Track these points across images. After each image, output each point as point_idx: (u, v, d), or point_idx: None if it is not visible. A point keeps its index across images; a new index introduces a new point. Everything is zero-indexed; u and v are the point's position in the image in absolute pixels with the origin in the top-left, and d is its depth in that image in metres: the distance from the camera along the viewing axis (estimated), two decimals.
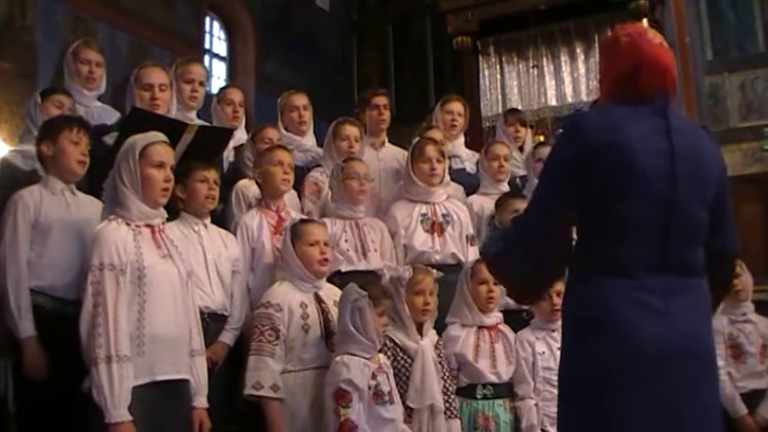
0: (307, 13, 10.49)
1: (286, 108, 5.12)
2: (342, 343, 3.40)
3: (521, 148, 5.69)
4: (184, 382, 3.15)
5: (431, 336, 3.85)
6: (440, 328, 4.02)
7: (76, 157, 3.51)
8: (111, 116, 4.50)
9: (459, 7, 8.65)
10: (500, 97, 8.74)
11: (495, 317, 4.11)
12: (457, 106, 5.51)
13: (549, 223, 2.33)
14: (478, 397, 3.95)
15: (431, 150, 4.59)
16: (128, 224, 3.10)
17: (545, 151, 4.90)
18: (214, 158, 4.23)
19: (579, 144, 2.27)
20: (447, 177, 4.76)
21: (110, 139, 3.91)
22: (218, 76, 9.48)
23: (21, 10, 6.64)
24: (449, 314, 4.10)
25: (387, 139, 5.26)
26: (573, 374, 2.31)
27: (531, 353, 4.07)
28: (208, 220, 3.84)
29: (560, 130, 2.45)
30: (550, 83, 8.56)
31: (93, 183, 3.71)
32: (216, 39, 9.56)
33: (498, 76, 8.81)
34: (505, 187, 5.07)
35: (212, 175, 3.80)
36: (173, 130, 3.63)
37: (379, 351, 3.57)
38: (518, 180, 5.39)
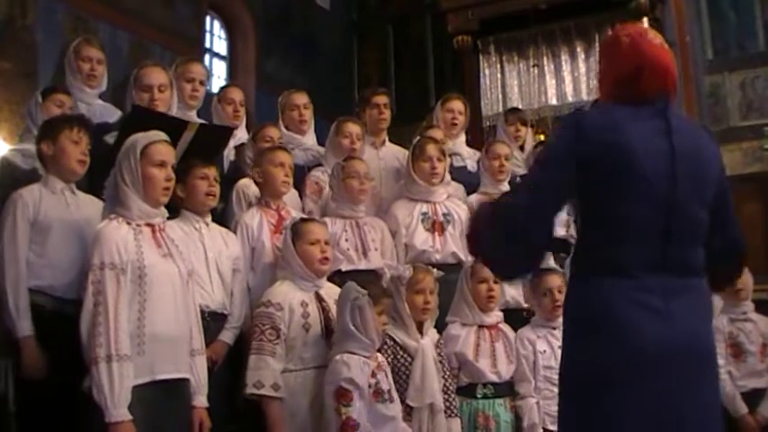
0: (307, 13, 10.49)
1: (287, 107, 5.12)
2: (341, 341, 3.40)
3: (521, 148, 5.68)
4: (185, 381, 3.15)
5: (431, 335, 3.85)
6: (440, 327, 4.02)
7: (77, 157, 3.51)
8: (113, 114, 4.49)
9: (459, 6, 8.65)
10: (500, 96, 8.73)
11: (496, 316, 4.11)
12: (457, 104, 5.51)
13: (538, 205, 2.31)
14: (479, 396, 3.95)
15: (431, 149, 4.60)
16: (128, 223, 3.09)
17: None
18: (214, 157, 4.22)
19: (580, 141, 2.27)
20: (448, 176, 4.76)
21: (110, 139, 3.90)
22: (219, 75, 9.48)
23: (21, 9, 6.64)
24: (449, 313, 4.10)
25: (387, 139, 5.26)
26: (573, 374, 2.32)
27: (531, 351, 4.07)
28: (209, 219, 3.84)
29: (561, 126, 2.44)
30: (551, 82, 8.55)
31: (93, 182, 3.71)
32: (216, 38, 9.56)
33: (499, 76, 8.80)
34: (506, 187, 5.06)
35: (212, 172, 3.80)
36: (174, 128, 3.63)
37: (379, 350, 3.57)
38: (518, 179, 5.39)
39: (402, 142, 5.26)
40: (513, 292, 4.50)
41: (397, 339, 3.73)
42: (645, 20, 7.88)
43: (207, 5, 9.07)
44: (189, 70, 4.81)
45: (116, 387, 2.82)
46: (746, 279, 4.65)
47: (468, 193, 5.05)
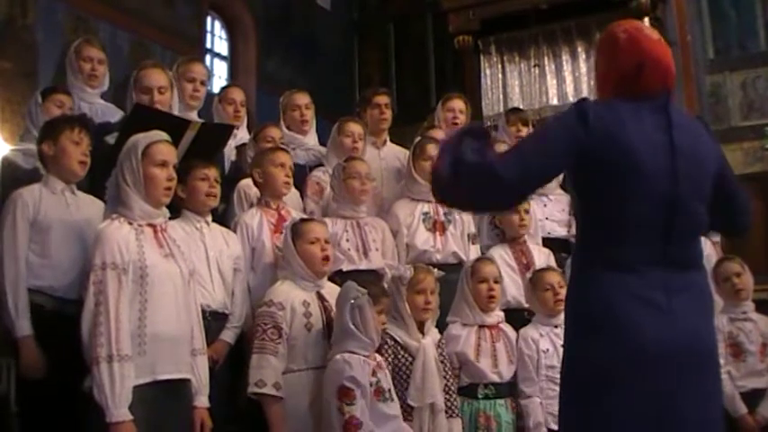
0: (308, 13, 10.49)
1: (288, 107, 5.12)
2: (341, 341, 3.40)
3: None
4: (186, 381, 3.15)
5: (432, 334, 3.86)
6: (441, 327, 4.02)
7: (77, 158, 3.51)
8: (115, 114, 4.50)
9: (460, 6, 8.65)
10: (501, 96, 8.72)
11: (497, 316, 4.12)
12: (458, 104, 5.51)
13: (524, 182, 2.28)
14: (480, 396, 3.96)
15: (432, 149, 4.59)
16: (130, 223, 3.09)
17: None
18: (215, 155, 4.23)
19: (585, 129, 2.26)
20: None
21: (111, 139, 3.90)
22: (220, 75, 9.48)
23: (22, 9, 6.64)
24: (450, 313, 4.10)
25: (388, 139, 5.27)
26: (574, 373, 2.31)
27: (535, 350, 4.07)
28: (209, 218, 3.84)
29: (567, 110, 2.41)
30: (552, 82, 8.54)
31: (94, 182, 3.71)
32: (217, 38, 9.56)
33: (500, 76, 8.79)
34: None
35: (212, 173, 3.80)
36: (176, 127, 3.63)
37: (380, 350, 3.58)
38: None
39: (403, 142, 5.26)
40: (515, 292, 4.50)
41: (398, 339, 3.73)
42: (646, 19, 7.87)
43: (207, 5, 9.07)
44: (190, 70, 4.81)
45: (117, 387, 2.82)
46: (747, 279, 4.64)
47: None
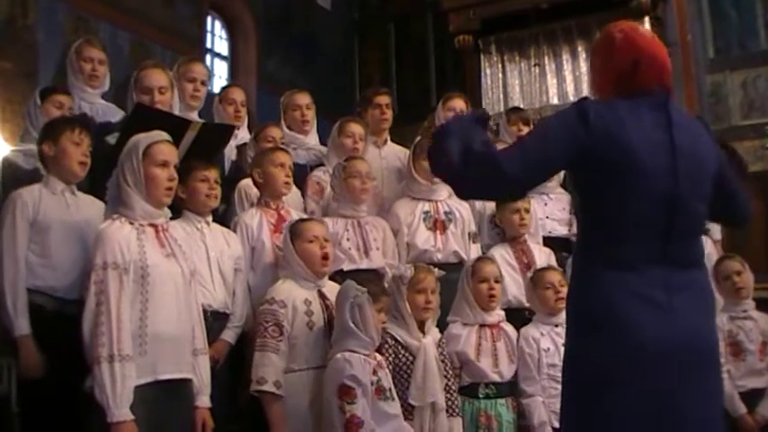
0: (308, 12, 10.48)
1: (289, 107, 5.12)
2: (341, 340, 3.40)
3: None
4: (187, 381, 3.15)
5: (433, 334, 3.86)
6: (442, 326, 4.02)
7: (78, 158, 3.51)
8: (116, 114, 4.50)
9: (460, 6, 8.64)
10: (502, 96, 8.71)
11: (497, 315, 4.12)
12: (459, 103, 5.51)
13: (533, 167, 2.29)
14: (481, 396, 3.96)
15: None
16: (131, 223, 3.10)
17: None
18: (215, 155, 4.23)
19: (585, 128, 2.26)
20: None
21: (112, 139, 3.91)
22: (220, 75, 9.48)
23: (22, 9, 6.64)
24: (450, 313, 4.11)
25: (389, 138, 5.27)
26: (574, 372, 2.32)
27: (536, 349, 4.08)
28: (210, 219, 3.85)
29: (568, 108, 2.41)
30: (552, 81, 8.53)
31: (95, 182, 3.71)
32: (217, 38, 9.55)
33: (500, 75, 8.78)
34: None
35: (213, 174, 3.80)
36: (176, 127, 3.64)
37: (380, 349, 3.58)
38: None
39: (403, 142, 5.26)
40: (516, 291, 4.50)
41: (398, 338, 3.73)
42: (646, 19, 7.89)
43: (208, 5, 9.07)
44: (190, 70, 4.81)
45: (118, 387, 2.83)
46: (747, 277, 4.64)
47: None
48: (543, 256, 4.65)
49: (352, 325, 3.37)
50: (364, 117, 5.16)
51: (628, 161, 2.24)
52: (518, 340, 4.11)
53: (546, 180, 2.40)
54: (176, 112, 4.31)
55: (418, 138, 4.86)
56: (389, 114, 5.22)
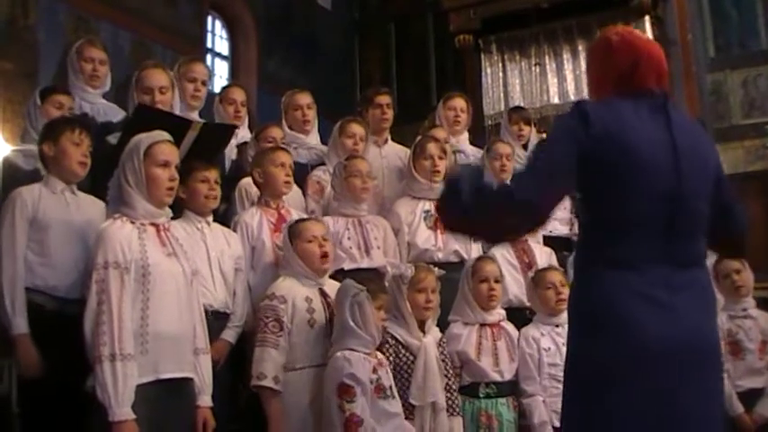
0: (308, 12, 10.49)
1: (290, 107, 5.12)
2: (341, 338, 3.41)
3: (525, 147, 5.67)
4: (188, 380, 3.15)
5: (433, 333, 3.86)
6: (443, 325, 4.02)
7: (77, 159, 3.51)
8: (117, 114, 4.50)
9: (461, 5, 8.64)
10: (502, 95, 8.71)
11: (498, 314, 4.12)
12: (459, 102, 5.52)
13: (546, 188, 2.26)
14: (481, 395, 3.96)
15: (432, 147, 4.60)
16: (132, 222, 3.10)
17: None
18: (216, 156, 4.23)
19: (586, 130, 2.26)
20: None
21: (113, 139, 3.91)
22: (221, 74, 9.49)
23: (23, 10, 6.65)
24: (451, 312, 4.11)
25: (390, 137, 5.27)
26: (576, 372, 2.31)
27: (536, 349, 4.07)
28: (211, 218, 3.85)
29: (567, 114, 2.40)
30: (553, 81, 8.53)
31: (95, 182, 3.72)
32: (218, 38, 9.57)
33: (500, 75, 8.79)
34: None
35: (213, 174, 3.81)
36: (178, 127, 3.64)
37: (381, 348, 3.58)
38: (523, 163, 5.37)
39: (403, 141, 5.26)
40: (516, 291, 4.50)
41: (399, 338, 3.74)
42: (647, 18, 7.89)
43: (208, 5, 9.08)
44: (191, 70, 4.81)
45: (120, 386, 2.83)
46: (747, 276, 4.64)
47: None
48: (544, 256, 4.65)
49: (352, 323, 3.38)
50: (365, 117, 5.16)
51: (629, 160, 2.24)
52: (518, 340, 4.11)
53: (561, 194, 2.34)
54: (177, 112, 4.31)
55: (419, 137, 4.86)
56: (390, 114, 5.22)
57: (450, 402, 3.77)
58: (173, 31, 8.19)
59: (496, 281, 4.08)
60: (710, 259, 4.35)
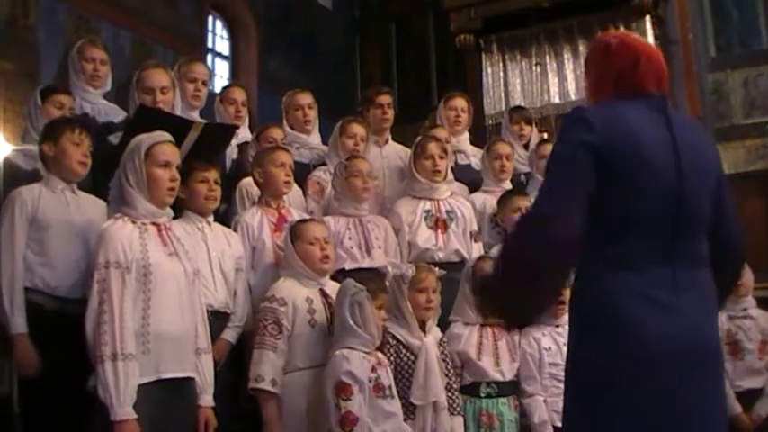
0: (309, 12, 10.49)
1: (291, 107, 5.12)
2: (341, 337, 3.41)
3: (526, 146, 5.67)
4: (190, 380, 3.16)
5: (434, 333, 3.86)
6: (444, 325, 4.02)
7: (78, 158, 3.51)
8: (117, 114, 4.50)
9: (461, 5, 8.63)
10: (503, 95, 8.70)
11: None
12: (460, 102, 5.51)
13: (569, 207, 2.19)
14: (482, 395, 3.96)
15: (433, 147, 4.60)
16: (134, 222, 3.11)
17: (547, 148, 4.90)
18: (217, 156, 4.23)
19: (590, 133, 2.25)
20: (450, 175, 4.77)
21: (114, 139, 3.92)
22: (221, 74, 9.49)
23: (23, 10, 6.66)
24: (452, 312, 4.11)
25: (390, 137, 5.27)
26: (577, 372, 2.31)
27: (537, 349, 4.08)
28: (211, 218, 3.85)
29: (566, 122, 2.38)
30: (553, 80, 8.52)
31: (97, 181, 3.72)
32: (218, 37, 9.57)
33: (501, 74, 8.77)
34: (508, 185, 5.07)
35: (212, 175, 3.81)
36: (179, 128, 3.64)
37: (382, 348, 3.58)
38: (523, 177, 5.39)
39: (404, 141, 5.26)
40: None
41: (399, 338, 3.74)
42: (647, 18, 7.89)
43: (209, 5, 9.08)
44: (191, 70, 4.82)
45: (121, 385, 2.84)
46: (746, 275, 4.64)
47: (473, 191, 5.06)
48: None
49: (351, 323, 3.38)
50: (366, 116, 5.16)
51: (631, 160, 2.23)
52: (519, 340, 4.11)
53: (582, 205, 2.27)
54: (178, 112, 4.32)
55: (420, 137, 4.85)
56: (391, 114, 5.22)
57: (451, 402, 3.77)
58: (173, 31, 8.20)
59: None
60: None
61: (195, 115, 4.67)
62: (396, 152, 5.16)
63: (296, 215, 4.12)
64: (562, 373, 2.47)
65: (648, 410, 2.16)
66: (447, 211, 4.57)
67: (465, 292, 4.07)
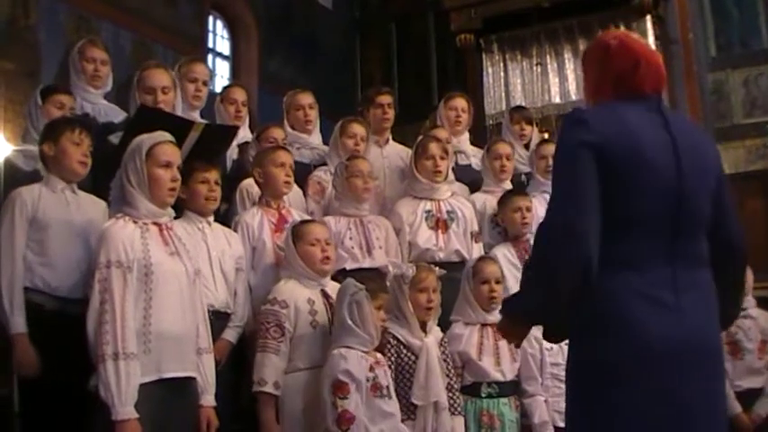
0: (309, 12, 10.49)
1: (292, 107, 5.12)
2: (339, 336, 3.42)
3: (526, 146, 5.66)
4: (191, 380, 3.16)
5: (435, 333, 3.86)
6: (445, 325, 4.02)
7: (78, 158, 3.51)
8: (118, 115, 4.51)
9: (462, 5, 8.63)
10: (503, 95, 8.70)
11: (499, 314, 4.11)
12: (461, 102, 5.51)
13: (577, 210, 2.19)
14: (483, 395, 3.96)
15: (434, 147, 4.60)
16: (135, 222, 3.11)
17: (548, 148, 4.91)
18: (218, 157, 4.23)
19: (590, 134, 2.25)
20: (451, 175, 4.77)
21: (115, 139, 3.92)
22: (222, 74, 9.49)
23: (24, 10, 6.66)
24: (452, 312, 4.11)
25: (391, 137, 5.27)
26: (578, 372, 2.31)
27: (538, 349, 4.08)
28: (211, 219, 3.85)
29: (565, 125, 2.37)
30: (554, 80, 8.52)
31: (97, 181, 3.72)
32: (219, 37, 9.57)
33: (502, 74, 8.77)
34: (508, 185, 5.07)
35: (213, 176, 3.81)
36: (180, 128, 3.64)
37: (383, 349, 3.58)
38: (523, 177, 5.39)
39: (405, 141, 5.26)
40: None
41: (400, 338, 3.74)
42: (648, 17, 7.88)
43: (209, 5, 9.08)
44: (192, 70, 4.82)
45: (123, 385, 2.84)
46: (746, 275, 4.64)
47: (473, 191, 5.06)
48: None
49: (350, 322, 3.39)
50: (366, 116, 5.16)
51: (631, 161, 2.23)
52: None
53: (594, 207, 2.22)
54: (179, 112, 4.32)
55: (421, 137, 4.85)
56: (391, 114, 5.22)
57: (451, 402, 3.77)
58: (174, 31, 8.20)
59: (497, 282, 4.08)
60: None
61: (196, 115, 4.67)
62: (396, 152, 5.16)
63: (296, 215, 4.13)
64: (563, 374, 2.47)
65: (649, 410, 2.16)
66: (448, 212, 4.57)
67: (466, 292, 4.07)
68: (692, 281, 2.26)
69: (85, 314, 2.96)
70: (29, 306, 3.32)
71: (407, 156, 4.87)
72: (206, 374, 3.23)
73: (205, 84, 4.86)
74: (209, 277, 3.66)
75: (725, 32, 8.24)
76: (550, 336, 2.51)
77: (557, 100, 8.41)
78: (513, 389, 4.04)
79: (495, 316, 4.08)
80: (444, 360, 3.82)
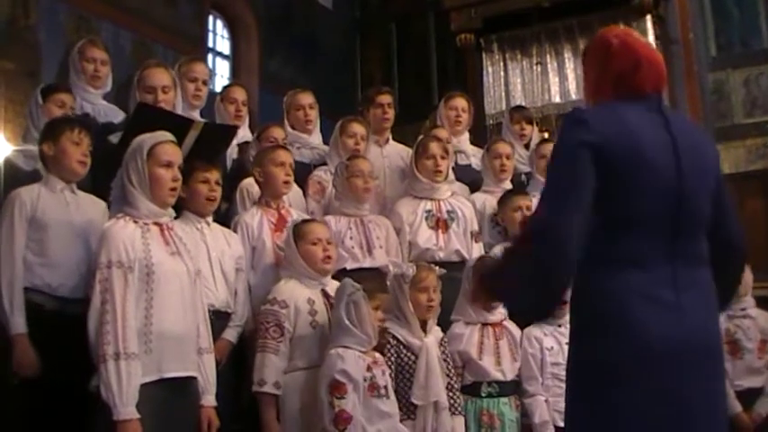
0: (309, 12, 10.50)
1: (292, 107, 5.12)
2: (337, 336, 3.42)
3: (527, 146, 5.66)
4: (192, 379, 3.16)
5: (435, 333, 3.86)
6: (445, 325, 4.02)
7: (77, 158, 3.51)
8: (118, 115, 4.51)
9: (462, 4, 8.63)
10: (504, 95, 8.70)
11: (500, 313, 4.11)
12: (461, 102, 5.51)
13: (573, 210, 2.19)
14: (483, 395, 3.96)
15: (434, 147, 4.60)
16: (136, 222, 3.11)
17: (548, 148, 4.90)
18: (217, 156, 4.23)
19: (589, 133, 2.25)
20: (451, 175, 4.77)
21: (115, 138, 3.92)
22: (222, 74, 9.49)
23: (24, 10, 6.66)
24: (453, 312, 4.11)
25: (391, 137, 5.27)
26: (579, 372, 2.31)
27: (539, 349, 4.08)
28: (210, 219, 3.85)
29: (565, 124, 2.37)
30: (554, 80, 8.52)
31: (96, 181, 3.72)
32: (219, 37, 9.57)
33: (502, 74, 8.77)
34: (508, 184, 5.08)
35: (213, 176, 3.81)
36: (179, 127, 3.64)
37: (383, 348, 3.58)
38: (523, 177, 5.39)
39: (405, 141, 5.26)
40: None
41: (400, 338, 3.74)
42: (648, 17, 7.88)
43: (209, 5, 9.08)
44: (192, 70, 4.82)
45: (124, 385, 2.83)
46: (746, 275, 4.63)
47: (473, 191, 5.06)
48: None
49: (347, 322, 3.39)
50: (366, 116, 5.16)
51: (632, 161, 2.23)
52: (521, 339, 4.11)
53: (587, 206, 2.21)
54: (179, 111, 4.32)
55: (421, 137, 4.86)
56: (391, 113, 5.22)
57: (452, 401, 3.77)
58: (174, 31, 8.20)
59: None
60: None
61: (196, 115, 4.67)
62: (396, 152, 5.16)
63: (296, 215, 4.13)
64: (564, 373, 2.47)
65: (649, 410, 2.16)
66: (448, 211, 4.57)
67: (466, 293, 4.07)
68: (693, 280, 2.26)
69: (86, 314, 2.96)
70: (29, 306, 3.32)
71: (408, 155, 4.87)
72: (207, 374, 3.23)
73: (205, 83, 4.86)
74: (209, 277, 3.66)
75: (725, 32, 8.23)
76: (523, 322, 2.54)
77: (557, 99, 8.41)
78: (513, 388, 4.04)
79: (496, 315, 4.09)
80: (444, 360, 3.82)
